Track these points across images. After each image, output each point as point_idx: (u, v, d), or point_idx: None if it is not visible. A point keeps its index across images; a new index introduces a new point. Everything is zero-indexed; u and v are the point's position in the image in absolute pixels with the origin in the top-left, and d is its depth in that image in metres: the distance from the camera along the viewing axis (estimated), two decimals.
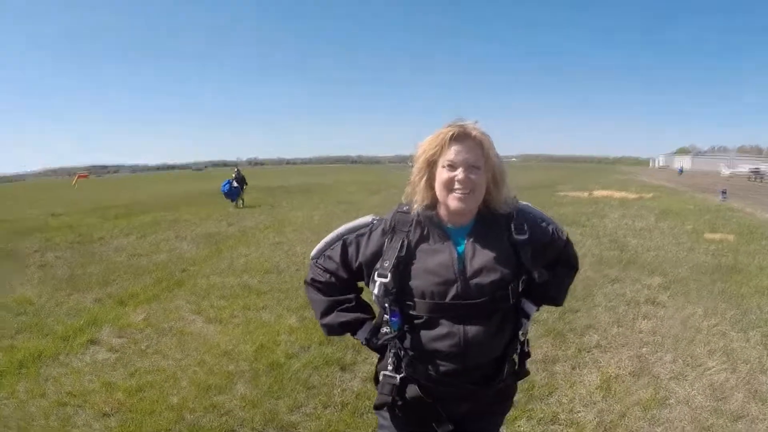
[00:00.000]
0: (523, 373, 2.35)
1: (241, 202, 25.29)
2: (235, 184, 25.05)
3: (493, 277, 2.07)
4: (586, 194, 28.17)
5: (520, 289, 2.16)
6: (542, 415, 4.37)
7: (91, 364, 5.83)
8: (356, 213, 2.21)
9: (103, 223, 19.78)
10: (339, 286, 2.33)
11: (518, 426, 4.24)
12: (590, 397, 4.70)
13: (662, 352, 5.66)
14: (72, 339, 6.58)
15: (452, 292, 2.06)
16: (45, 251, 13.72)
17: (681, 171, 75.17)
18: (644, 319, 6.65)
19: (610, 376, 5.09)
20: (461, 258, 2.10)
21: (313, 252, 2.40)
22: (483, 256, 2.10)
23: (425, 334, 2.11)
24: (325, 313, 2.33)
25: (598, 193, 28.80)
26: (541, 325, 6.30)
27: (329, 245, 2.33)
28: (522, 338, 2.25)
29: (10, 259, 12.86)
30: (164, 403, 4.79)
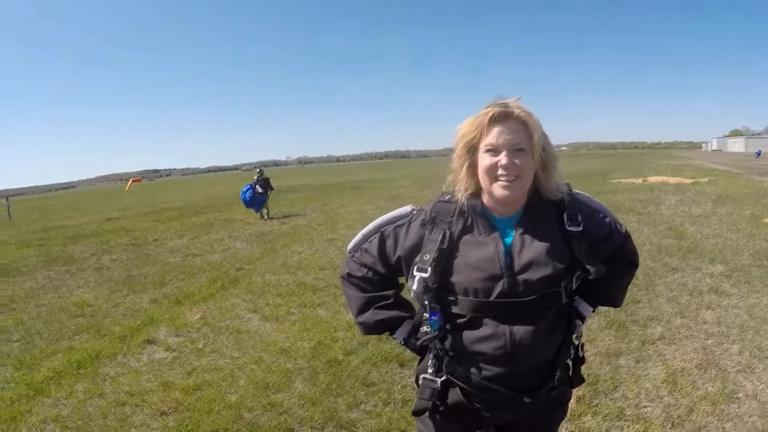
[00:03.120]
0: (577, 380, 2.15)
1: (266, 212, 20.41)
2: (259, 189, 20.10)
3: (543, 272, 1.88)
4: (640, 181, 27.68)
5: (574, 286, 1.99)
6: (608, 411, 4.24)
7: (149, 364, 5.90)
8: None
9: (157, 226, 20.16)
10: (376, 281, 2.18)
11: (584, 422, 4.12)
12: (656, 391, 4.54)
13: (728, 343, 5.47)
14: (129, 339, 6.68)
15: (498, 288, 1.88)
16: (101, 254, 14.01)
17: (759, 154, 71.43)
18: (708, 309, 6.45)
19: (676, 369, 4.93)
20: (508, 251, 1.92)
21: (350, 245, 2.26)
22: (533, 250, 1.90)
23: (468, 335, 1.95)
24: (362, 311, 2.19)
25: (653, 179, 28.26)
26: (602, 317, 6.16)
27: (366, 238, 2.18)
28: (576, 342, 2.10)
29: (67, 263, 13.12)
30: (222, 402, 4.80)
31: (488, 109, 1.86)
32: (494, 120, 1.85)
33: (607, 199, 18.40)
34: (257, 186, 20.09)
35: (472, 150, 1.93)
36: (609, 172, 37.76)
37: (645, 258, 9.11)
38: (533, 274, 1.88)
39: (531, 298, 1.88)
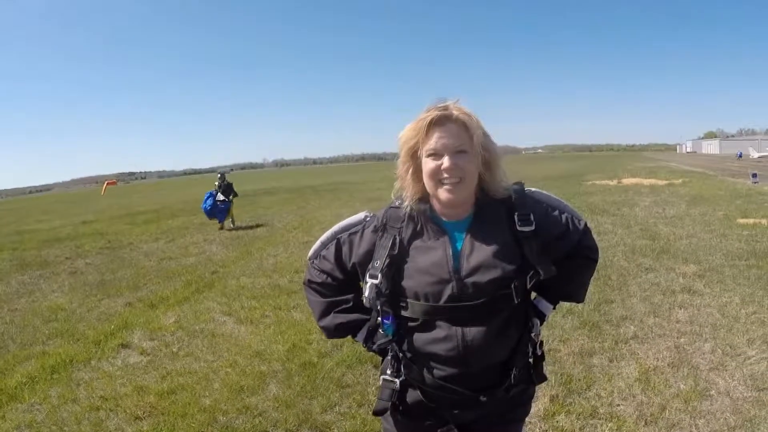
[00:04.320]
0: (539, 378, 2.14)
1: (230, 221, 18.42)
2: (220, 197, 17.76)
3: (492, 275, 1.89)
4: (614, 182, 27.91)
5: (529, 286, 1.98)
6: (581, 410, 4.27)
7: (123, 368, 5.85)
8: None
9: (132, 229, 20.04)
10: (336, 286, 2.21)
11: (557, 421, 4.15)
12: (629, 390, 4.58)
13: (700, 342, 5.53)
14: (103, 343, 6.64)
15: (447, 292, 1.89)
16: (75, 258, 13.92)
17: (740, 155, 70.93)
18: (680, 309, 6.51)
19: (649, 367, 4.97)
20: (457, 255, 1.93)
21: (310, 252, 2.29)
22: (482, 253, 1.92)
23: (421, 337, 1.97)
24: (323, 315, 2.23)
25: (627, 180, 28.54)
26: (576, 317, 6.21)
27: (324, 245, 2.22)
28: (536, 340, 2.09)
29: (41, 267, 13.00)
30: (196, 406, 4.78)
31: (427, 114, 1.87)
32: (433, 124, 1.87)
33: (582, 200, 18.55)
34: (219, 194, 17.88)
35: (415, 155, 1.94)
36: (584, 174, 38.04)
37: (619, 258, 9.22)
38: (482, 277, 1.89)
39: (481, 300, 1.89)
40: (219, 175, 18.75)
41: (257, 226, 17.37)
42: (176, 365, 5.81)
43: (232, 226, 18.15)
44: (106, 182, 68.98)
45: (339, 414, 4.50)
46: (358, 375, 5.19)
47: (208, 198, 17.69)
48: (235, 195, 18.54)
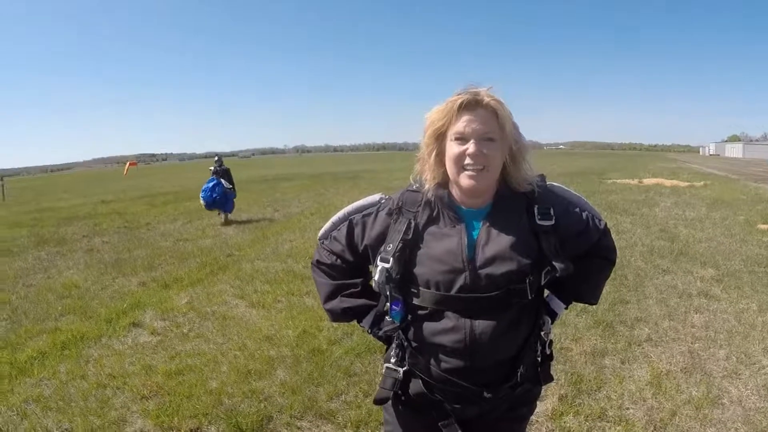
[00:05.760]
0: (546, 378, 2.09)
1: (226, 214, 15.58)
2: (227, 184, 15.05)
3: (507, 267, 1.84)
4: (635, 182, 27.62)
5: (543, 282, 1.92)
6: (590, 411, 4.21)
7: (133, 347, 5.89)
8: None
9: (150, 210, 20.19)
10: (345, 269, 2.17)
11: (565, 421, 4.09)
12: (640, 393, 4.51)
13: (715, 348, 5.44)
14: (115, 322, 6.68)
15: (459, 282, 1.85)
16: (92, 236, 14.08)
17: None
18: (696, 313, 6.42)
19: (661, 372, 4.90)
20: (473, 244, 1.88)
21: (321, 232, 2.25)
22: (498, 243, 1.87)
23: (429, 326, 1.92)
24: (329, 298, 2.19)
25: (648, 180, 28.20)
26: (590, 316, 6.14)
27: (336, 225, 2.17)
28: (545, 339, 2.05)
29: (58, 244, 13.14)
30: (203, 387, 4.79)
31: (457, 97, 1.82)
32: (463, 108, 1.82)
33: (602, 198, 18.36)
34: (221, 180, 15.08)
35: (440, 138, 1.89)
36: (605, 172, 37.68)
37: (636, 258, 9.12)
38: (496, 269, 1.84)
39: (494, 293, 1.84)
40: (216, 159, 16.06)
41: (269, 219, 16.85)
42: (186, 346, 5.83)
43: (225, 219, 15.57)
44: (128, 163, 69.27)
45: (345, 403, 4.48)
46: (366, 364, 5.16)
47: (215, 185, 14.89)
48: (233, 183, 15.74)
